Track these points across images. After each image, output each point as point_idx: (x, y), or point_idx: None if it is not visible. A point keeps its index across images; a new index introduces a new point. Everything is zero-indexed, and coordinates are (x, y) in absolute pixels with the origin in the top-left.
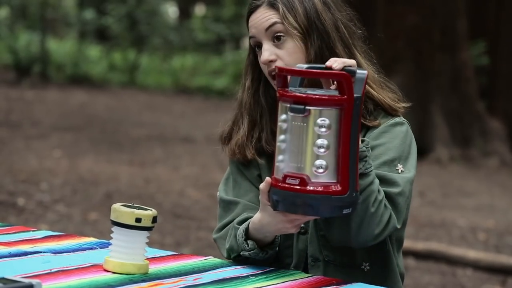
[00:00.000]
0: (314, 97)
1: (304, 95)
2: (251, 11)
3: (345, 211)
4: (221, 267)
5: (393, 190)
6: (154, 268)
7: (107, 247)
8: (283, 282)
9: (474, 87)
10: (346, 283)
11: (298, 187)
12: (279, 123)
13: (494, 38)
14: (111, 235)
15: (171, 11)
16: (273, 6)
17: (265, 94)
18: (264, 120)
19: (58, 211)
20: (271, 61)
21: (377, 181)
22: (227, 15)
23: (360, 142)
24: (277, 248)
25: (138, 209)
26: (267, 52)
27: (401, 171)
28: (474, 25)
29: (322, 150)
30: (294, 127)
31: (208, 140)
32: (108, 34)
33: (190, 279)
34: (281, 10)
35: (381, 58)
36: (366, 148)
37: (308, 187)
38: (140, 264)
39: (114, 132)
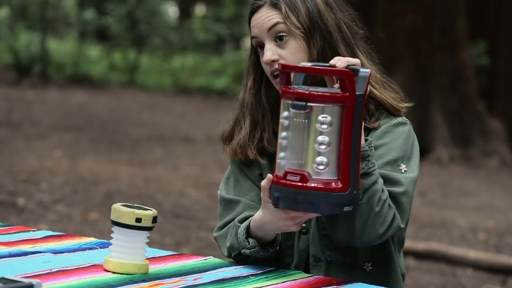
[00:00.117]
0: (316, 93)
1: (306, 92)
2: (253, 11)
3: (345, 209)
4: (221, 267)
5: (397, 189)
6: (154, 268)
7: (107, 247)
8: (283, 282)
9: (474, 87)
10: (346, 283)
11: (298, 183)
12: (281, 120)
13: (494, 38)
14: (111, 235)
15: (171, 11)
16: (275, 6)
17: (267, 94)
18: (266, 120)
19: (58, 211)
20: (274, 61)
21: (381, 180)
22: (227, 15)
23: (363, 141)
24: (278, 247)
25: (138, 209)
26: (270, 52)
27: (404, 170)
28: (474, 25)
29: (323, 147)
30: (296, 124)
31: (208, 140)
32: (108, 34)
33: (190, 279)
34: (283, 10)
35: (381, 58)
36: (369, 147)
37: (308, 183)
38: (140, 264)
39: (114, 132)
